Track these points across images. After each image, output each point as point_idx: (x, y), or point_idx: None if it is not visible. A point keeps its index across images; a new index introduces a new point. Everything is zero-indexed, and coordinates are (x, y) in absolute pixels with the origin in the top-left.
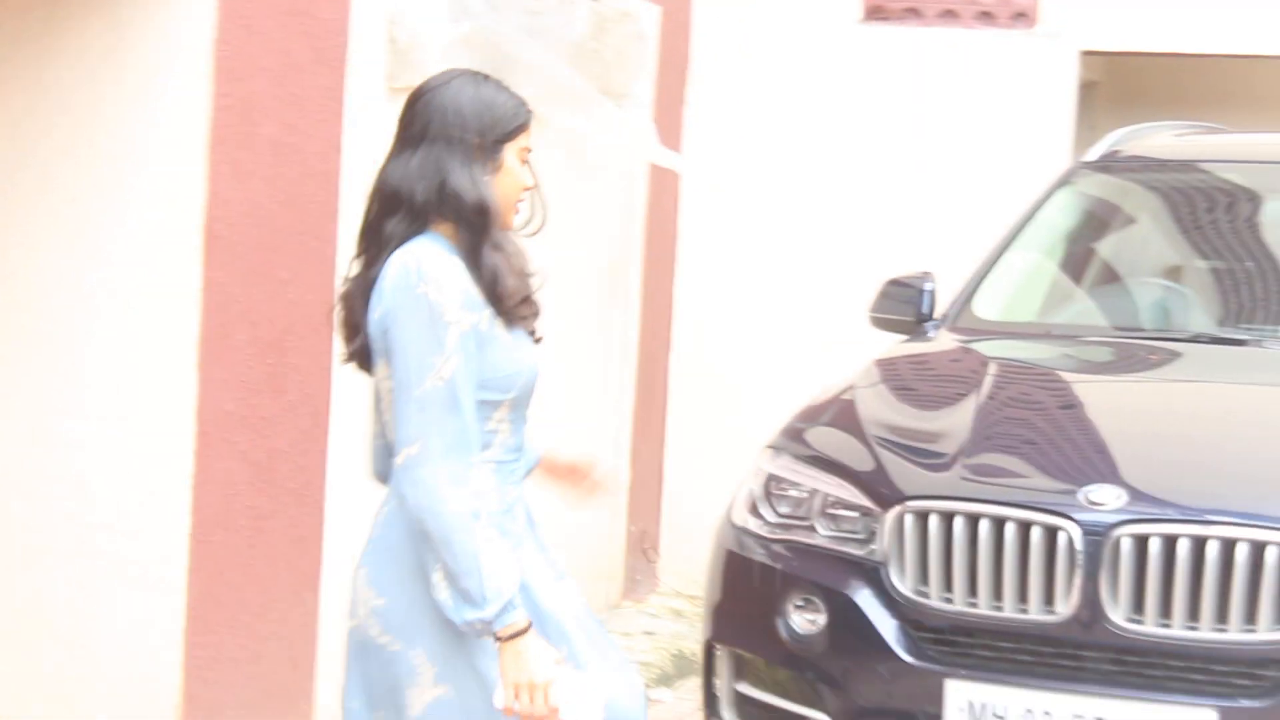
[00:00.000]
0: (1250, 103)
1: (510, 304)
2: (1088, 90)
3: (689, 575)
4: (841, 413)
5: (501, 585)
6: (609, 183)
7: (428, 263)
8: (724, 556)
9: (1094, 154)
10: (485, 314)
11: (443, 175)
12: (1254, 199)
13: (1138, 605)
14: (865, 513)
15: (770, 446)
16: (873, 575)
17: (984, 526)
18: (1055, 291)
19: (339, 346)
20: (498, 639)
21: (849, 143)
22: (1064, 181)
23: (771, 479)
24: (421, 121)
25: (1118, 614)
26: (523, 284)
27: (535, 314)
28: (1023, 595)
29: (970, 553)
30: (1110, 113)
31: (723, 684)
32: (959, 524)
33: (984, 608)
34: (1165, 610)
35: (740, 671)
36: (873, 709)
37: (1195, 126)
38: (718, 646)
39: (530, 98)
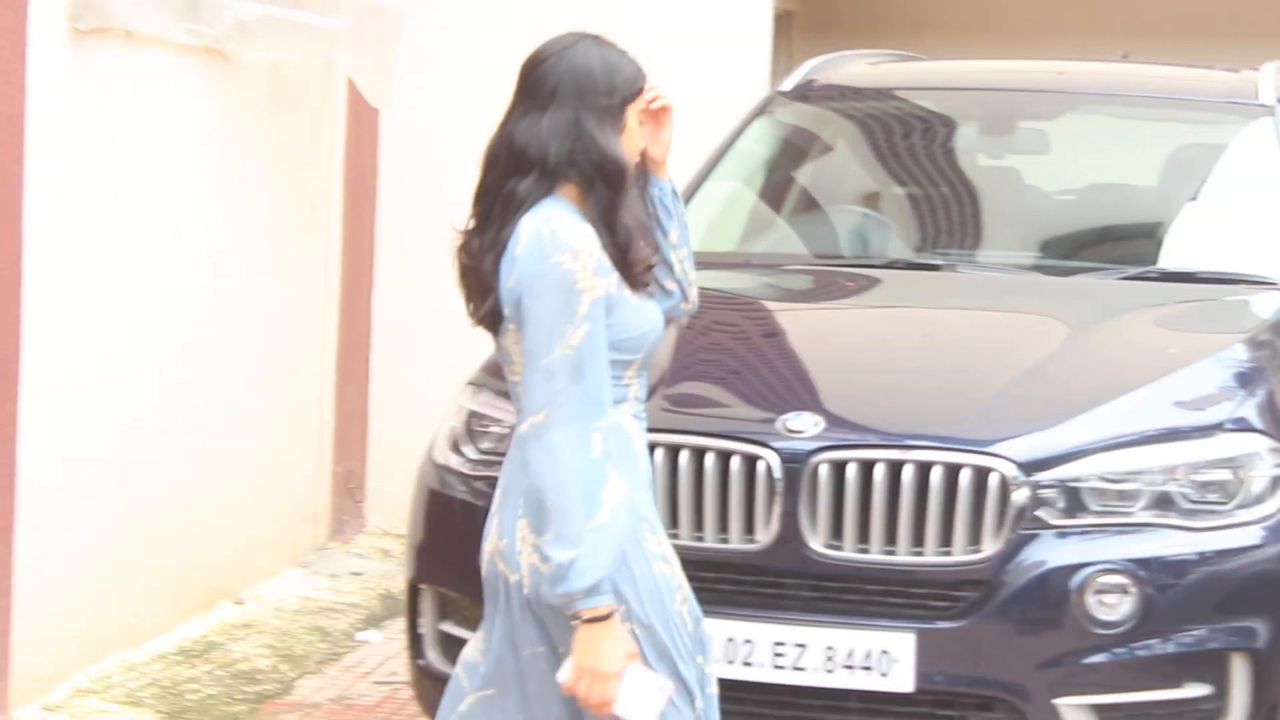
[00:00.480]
0: (943, 29)
1: (639, 267)
2: (784, 20)
3: (396, 515)
4: None
5: (597, 567)
6: (307, 117)
7: (561, 229)
8: (426, 495)
9: (789, 83)
10: (614, 278)
11: (579, 136)
12: (948, 125)
13: (837, 531)
14: None
15: (471, 383)
16: None
17: (684, 457)
18: (755, 220)
19: (468, 309)
20: (578, 618)
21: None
22: (760, 111)
23: (473, 415)
24: (550, 83)
25: (817, 541)
26: (649, 245)
27: (651, 274)
28: (724, 525)
29: (671, 483)
30: (807, 41)
31: (427, 623)
32: (659, 455)
33: (685, 539)
34: (863, 535)
35: (445, 611)
36: None
37: (889, 54)
38: (422, 586)
39: (220, 36)
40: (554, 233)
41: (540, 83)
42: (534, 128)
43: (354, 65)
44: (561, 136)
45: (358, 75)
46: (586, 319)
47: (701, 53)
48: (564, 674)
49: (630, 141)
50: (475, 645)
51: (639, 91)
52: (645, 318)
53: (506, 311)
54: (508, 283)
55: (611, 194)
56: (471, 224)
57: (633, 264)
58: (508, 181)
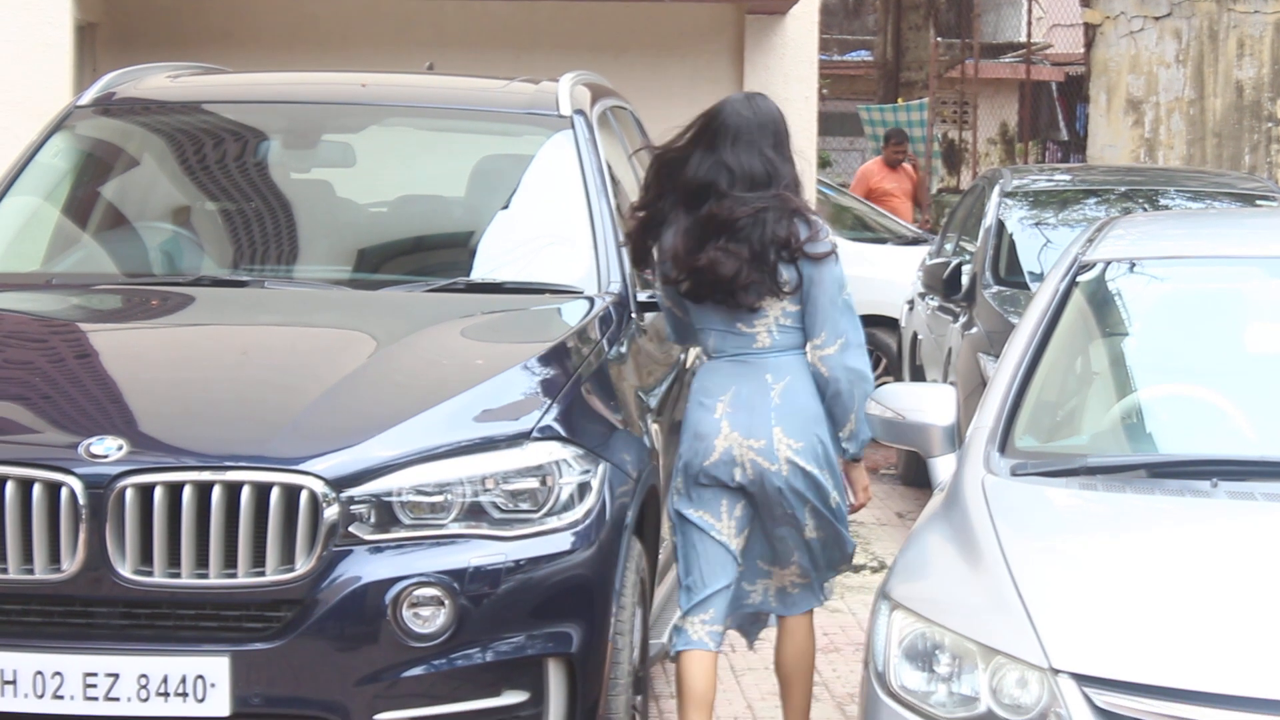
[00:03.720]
0: (252, 41)
1: None
2: (87, 31)
3: None
4: None
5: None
6: None
7: None
8: None
9: (88, 97)
10: None
11: None
12: (254, 139)
13: (147, 556)
14: None
15: None
16: None
17: None
18: (59, 238)
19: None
20: (856, 459)
21: None
22: (60, 125)
23: None
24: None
25: (126, 567)
26: None
27: None
28: (28, 555)
29: None
30: (111, 54)
31: None
32: None
33: None
34: (174, 559)
35: None
36: None
37: (191, 67)
38: None
39: None
40: None
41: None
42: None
43: None
44: None
45: None
46: None
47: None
48: (854, 497)
49: None
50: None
51: None
52: None
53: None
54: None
55: None
56: None
57: None
58: None
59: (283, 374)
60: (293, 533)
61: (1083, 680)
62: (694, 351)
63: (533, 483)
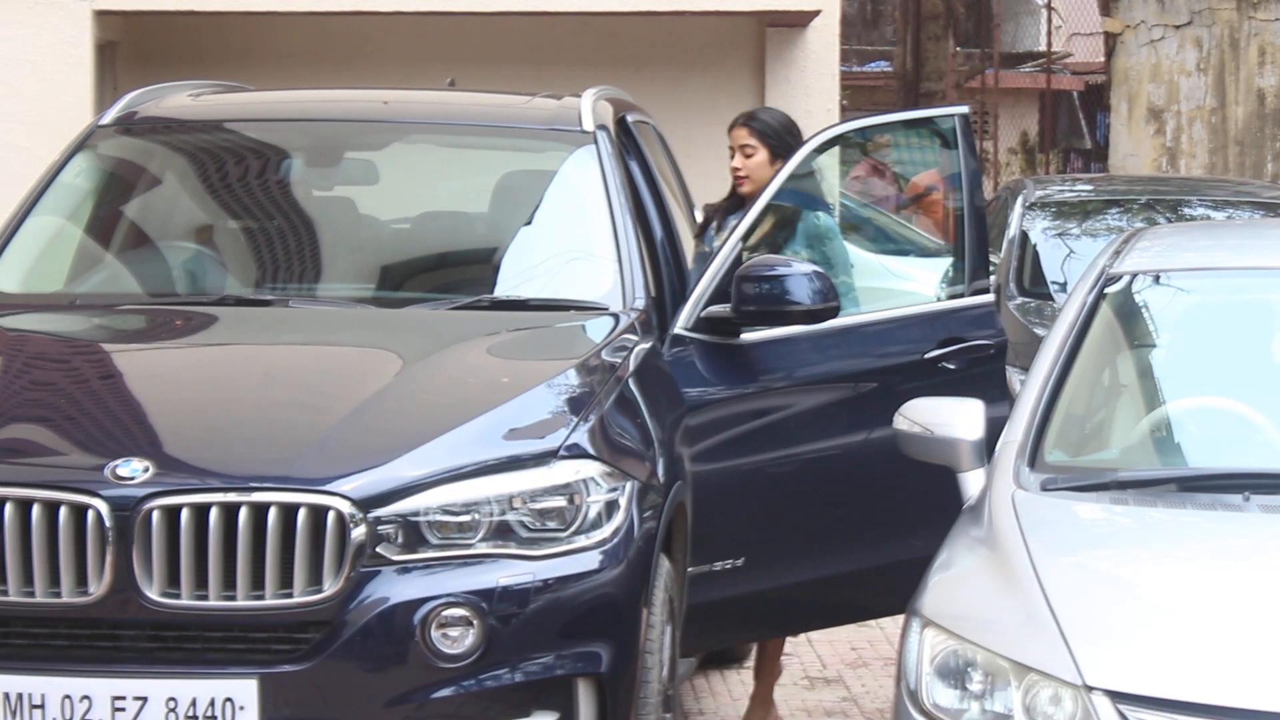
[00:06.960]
0: (272, 59)
1: None
2: (106, 50)
3: None
4: None
5: None
6: None
7: None
8: None
9: (109, 116)
10: None
11: None
12: (276, 157)
13: (174, 578)
14: None
15: None
16: None
17: (9, 510)
18: (83, 258)
19: None
20: None
21: None
22: (81, 145)
23: None
24: None
25: (153, 589)
26: None
27: None
28: (54, 579)
29: None
30: (131, 72)
31: None
32: None
33: (15, 595)
34: (201, 581)
35: None
36: None
37: (214, 86)
38: None
39: None
40: None
41: None
42: None
43: None
44: None
45: None
46: None
47: (21, 86)
48: None
49: None
50: None
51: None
52: None
53: None
54: None
55: None
56: None
57: None
58: None
59: (308, 394)
60: (320, 554)
61: (1117, 697)
62: None
63: (560, 501)
